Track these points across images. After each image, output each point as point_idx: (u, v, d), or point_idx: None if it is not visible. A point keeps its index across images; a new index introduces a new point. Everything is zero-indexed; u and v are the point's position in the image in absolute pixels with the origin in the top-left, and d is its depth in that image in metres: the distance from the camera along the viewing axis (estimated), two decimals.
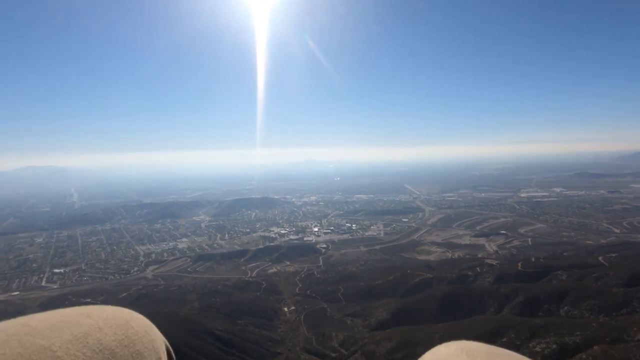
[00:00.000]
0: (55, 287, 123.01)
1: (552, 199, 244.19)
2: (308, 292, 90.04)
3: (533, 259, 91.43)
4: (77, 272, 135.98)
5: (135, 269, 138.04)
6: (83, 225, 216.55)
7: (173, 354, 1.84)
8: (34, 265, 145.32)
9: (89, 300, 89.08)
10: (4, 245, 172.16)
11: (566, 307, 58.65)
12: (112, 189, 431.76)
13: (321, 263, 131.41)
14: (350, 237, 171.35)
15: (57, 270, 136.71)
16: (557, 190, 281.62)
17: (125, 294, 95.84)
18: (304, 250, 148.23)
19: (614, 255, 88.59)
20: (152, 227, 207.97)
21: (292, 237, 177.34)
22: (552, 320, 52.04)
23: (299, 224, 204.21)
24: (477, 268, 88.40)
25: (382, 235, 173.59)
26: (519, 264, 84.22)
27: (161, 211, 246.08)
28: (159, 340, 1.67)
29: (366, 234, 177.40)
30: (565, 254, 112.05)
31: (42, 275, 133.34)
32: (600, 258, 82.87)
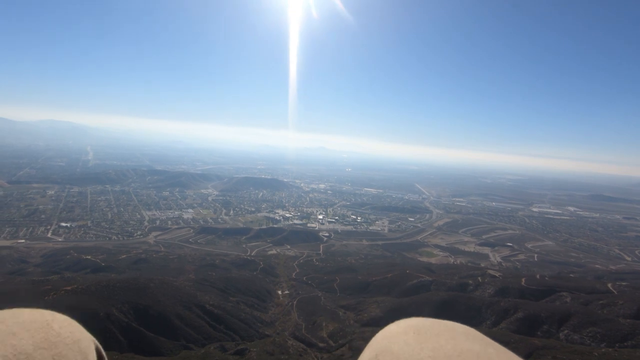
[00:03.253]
0: (59, 239, 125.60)
1: (565, 217, 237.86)
2: (304, 278, 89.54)
3: (538, 276, 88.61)
4: (82, 228, 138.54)
5: (139, 232, 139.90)
6: (94, 183, 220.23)
7: (104, 354, 1.72)
8: (43, 216, 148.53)
9: (89, 257, 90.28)
10: (17, 194, 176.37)
11: (567, 331, 56.45)
12: (126, 152, 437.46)
13: (321, 251, 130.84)
14: (353, 229, 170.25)
15: (63, 224, 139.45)
16: (571, 209, 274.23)
17: (125, 255, 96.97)
18: (306, 236, 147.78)
19: (624, 283, 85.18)
20: (160, 194, 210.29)
21: (296, 221, 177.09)
22: (551, 342, 50.06)
23: (305, 209, 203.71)
24: (479, 277, 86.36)
25: (386, 231, 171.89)
26: (523, 279, 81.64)
27: (171, 179, 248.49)
28: (86, 341, 1.58)
29: (370, 228, 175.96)
30: (572, 275, 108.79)
31: (49, 227, 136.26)
32: (609, 285, 79.70)
